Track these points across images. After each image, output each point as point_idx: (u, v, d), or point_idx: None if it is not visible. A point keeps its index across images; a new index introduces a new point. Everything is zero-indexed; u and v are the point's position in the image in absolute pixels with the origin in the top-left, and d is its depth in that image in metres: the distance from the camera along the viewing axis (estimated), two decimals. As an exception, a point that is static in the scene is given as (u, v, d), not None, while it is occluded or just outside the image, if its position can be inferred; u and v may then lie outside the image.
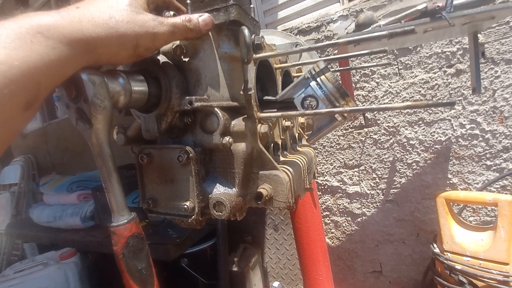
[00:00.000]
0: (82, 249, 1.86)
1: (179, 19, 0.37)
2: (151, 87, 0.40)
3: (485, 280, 0.92)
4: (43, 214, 2.03)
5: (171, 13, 0.41)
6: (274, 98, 0.54)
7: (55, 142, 3.08)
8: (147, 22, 0.33)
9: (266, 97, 0.56)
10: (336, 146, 1.56)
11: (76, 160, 2.89)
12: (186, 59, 0.44)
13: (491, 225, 1.06)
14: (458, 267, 0.99)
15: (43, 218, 2.02)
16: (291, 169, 0.51)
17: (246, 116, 0.45)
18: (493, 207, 1.21)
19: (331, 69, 1.13)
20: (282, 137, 0.62)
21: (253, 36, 0.45)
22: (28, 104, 0.25)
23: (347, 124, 1.52)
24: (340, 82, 0.43)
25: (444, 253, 1.08)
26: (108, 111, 0.32)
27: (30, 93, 0.24)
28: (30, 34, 0.24)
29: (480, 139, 1.26)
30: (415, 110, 1.39)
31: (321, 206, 1.66)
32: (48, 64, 0.25)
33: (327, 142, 1.58)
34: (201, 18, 0.38)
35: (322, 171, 1.62)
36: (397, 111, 1.40)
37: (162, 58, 0.43)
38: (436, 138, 1.34)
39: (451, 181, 1.33)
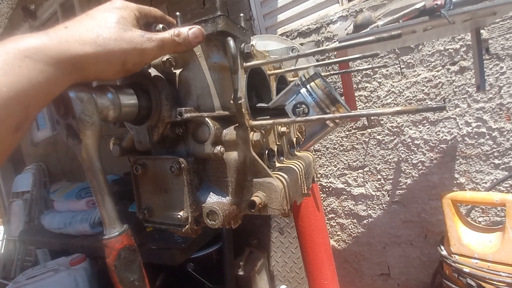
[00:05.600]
0: (92, 255, 1.90)
1: (168, 34, 0.37)
2: (141, 100, 0.40)
3: (494, 282, 0.89)
4: (54, 220, 2.08)
5: (160, 26, 0.41)
6: (267, 105, 0.54)
7: (65, 149, 3.15)
8: (135, 38, 0.33)
9: (259, 104, 0.56)
10: (340, 148, 1.55)
11: (85, 167, 2.95)
12: (176, 71, 0.44)
13: (500, 226, 1.03)
14: (466, 269, 0.97)
15: (54, 224, 2.07)
16: (286, 176, 0.51)
17: (237, 124, 0.46)
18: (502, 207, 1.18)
19: (333, 71, 1.12)
20: (278, 143, 0.62)
21: (243, 45, 0.46)
22: (18, 126, 0.25)
23: (350, 125, 1.50)
24: (330, 88, 0.43)
25: (452, 255, 1.06)
26: (97, 126, 0.33)
27: (19, 116, 0.25)
28: (17, 59, 0.24)
29: (487, 137, 1.23)
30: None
31: (326, 208, 1.64)
32: (36, 87, 0.25)
33: (330, 143, 1.57)
34: (190, 31, 0.38)
35: (326, 173, 1.61)
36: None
37: (152, 71, 0.43)
38: (442, 137, 1.31)
39: (458, 181, 1.30)
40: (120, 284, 0.35)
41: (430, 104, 1.31)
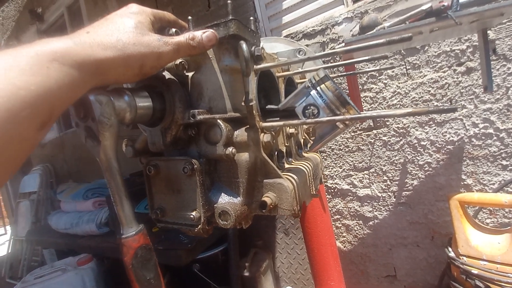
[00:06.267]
0: (98, 255, 1.92)
1: (183, 38, 0.38)
2: (155, 102, 0.41)
3: (502, 284, 0.89)
4: (60, 221, 2.10)
5: (173, 30, 0.42)
6: (277, 107, 0.55)
7: (71, 150, 3.19)
8: (152, 42, 0.34)
9: (269, 106, 0.57)
10: (345, 149, 1.55)
11: (90, 168, 2.98)
12: (189, 74, 0.45)
13: (508, 227, 1.02)
14: (475, 271, 0.96)
15: (61, 225, 2.09)
16: (295, 177, 0.51)
17: (248, 126, 0.46)
18: (510, 209, 1.17)
19: (338, 73, 1.13)
20: (286, 144, 0.63)
21: (253, 48, 0.46)
22: (43, 124, 0.27)
23: (356, 126, 1.50)
24: (340, 90, 0.44)
25: (460, 257, 1.05)
26: (115, 128, 0.34)
27: (44, 115, 0.26)
28: (46, 61, 0.26)
29: (495, 138, 1.22)
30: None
31: (332, 209, 1.64)
32: (61, 88, 0.27)
33: (335, 145, 1.57)
34: (204, 34, 0.39)
35: (332, 174, 1.61)
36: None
37: (166, 74, 0.44)
38: (448, 138, 1.31)
39: (465, 182, 1.30)
40: (137, 282, 0.36)
41: (437, 105, 1.31)
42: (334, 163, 1.59)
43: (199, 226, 0.45)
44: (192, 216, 0.44)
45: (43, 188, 3.25)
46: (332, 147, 1.58)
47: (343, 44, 1.07)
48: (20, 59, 0.25)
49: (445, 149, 1.32)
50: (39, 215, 3.16)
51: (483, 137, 1.24)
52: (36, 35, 3.31)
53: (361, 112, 0.44)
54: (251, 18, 0.52)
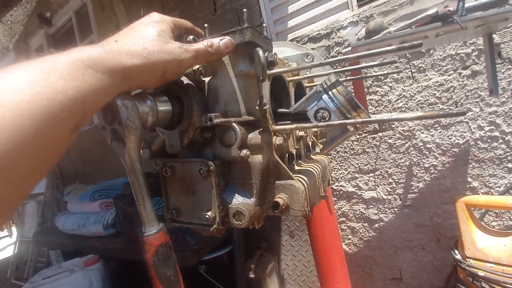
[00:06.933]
0: (105, 256, 1.93)
1: (202, 45, 0.40)
2: (174, 106, 0.43)
3: (508, 286, 0.89)
4: (67, 222, 2.13)
5: (191, 37, 0.44)
6: (288, 110, 0.56)
7: (77, 152, 3.22)
8: (174, 50, 0.36)
9: (280, 110, 0.59)
10: (350, 152, 1.56)
11: (96, 169, 3.01)
12: (205, 79, 0.47)
13: (515, 230, 1.03)
14: (481, 273, 0.97)
15: (67, 226, 2.12)
16: (306, 178, 0.52)
17: (262, 129, 0.48)
18: (517, 211, 1.17)
19: (343, 77, 1.14)
20: (296, 146, 0.64)
21: (266, 54, 0.48)
22: (76, 127, 0.28)
23: (361, 129, 1.51)
24: (352, 93, 0.45)
25: (466, 259, 1.05)
26: (139, 131, 0.36)
27: (78, 117, 0.28)
28: (82, 67, 0.28)
29: (501, 141, 1.22)
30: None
31: (337, 212, 1.65)
32: (94, 93, 0.28)
33: (341, 147, 1.58)
34: (222, 42, 0.41)
35: (337, 177, 1.62)
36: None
37: (184, 79, 0.46)
38: (454, 141, 1.31)
39: (471, 185, 1.30)
40: (158, 279, 0.37)
41: (443, 108, 1.31)
42: (339, 165, 1.60)
43: (214, 225, 0.47)
44: (207, 216, 0.46)
45: (49, 190, 3.28)
46: (338, 150, 1.59)
47: (349, 48, 1.09)
48: (58, 65, 0.27)
49: (451, 152, 1.32)
50: (45, 216, 3.19)
51: (488, 140, 1.24)
52: (44, 39, 3.37)
53: (371, 116, 0.45)
54: (264, 25, 0.54)
